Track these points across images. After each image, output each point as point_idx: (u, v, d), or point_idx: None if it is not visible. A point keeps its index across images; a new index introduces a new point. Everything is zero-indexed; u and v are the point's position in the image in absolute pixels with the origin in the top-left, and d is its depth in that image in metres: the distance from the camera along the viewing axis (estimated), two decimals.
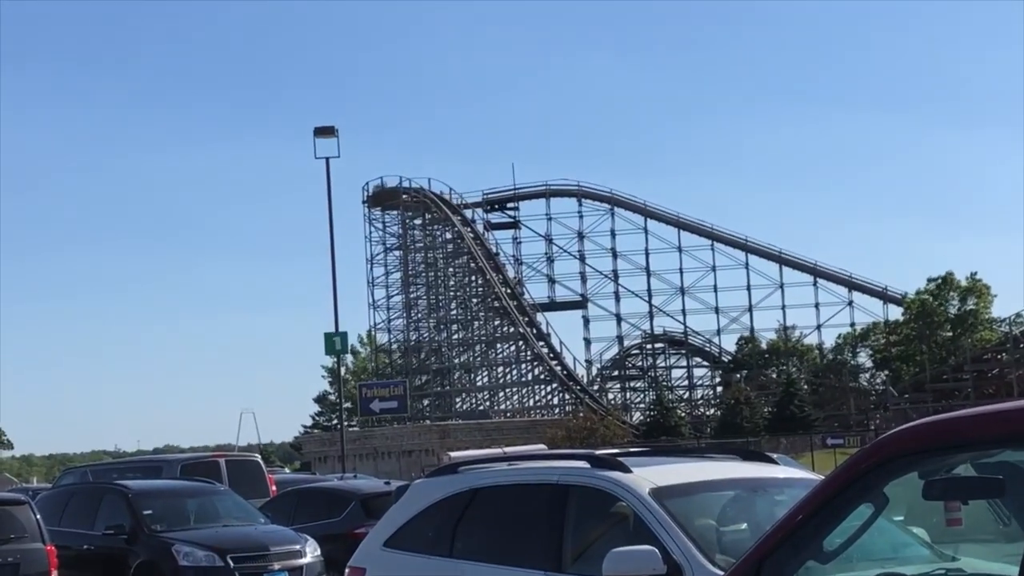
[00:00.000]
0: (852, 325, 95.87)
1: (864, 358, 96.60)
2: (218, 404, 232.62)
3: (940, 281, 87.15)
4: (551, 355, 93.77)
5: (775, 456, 11.15)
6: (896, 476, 4.22)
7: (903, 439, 4.22)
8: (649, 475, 7.54)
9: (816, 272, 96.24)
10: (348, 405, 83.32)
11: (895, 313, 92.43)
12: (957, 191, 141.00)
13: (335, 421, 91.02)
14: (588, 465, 7.85)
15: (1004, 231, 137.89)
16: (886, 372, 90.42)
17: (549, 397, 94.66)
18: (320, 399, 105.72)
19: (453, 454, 21.22)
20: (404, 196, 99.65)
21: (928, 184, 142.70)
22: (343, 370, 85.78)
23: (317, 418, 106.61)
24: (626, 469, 7.58)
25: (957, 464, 4.41)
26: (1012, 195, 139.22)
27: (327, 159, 47.62)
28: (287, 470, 63.78)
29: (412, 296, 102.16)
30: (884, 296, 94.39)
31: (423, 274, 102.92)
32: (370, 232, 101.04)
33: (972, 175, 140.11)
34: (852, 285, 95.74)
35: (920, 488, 4.23)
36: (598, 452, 8.34)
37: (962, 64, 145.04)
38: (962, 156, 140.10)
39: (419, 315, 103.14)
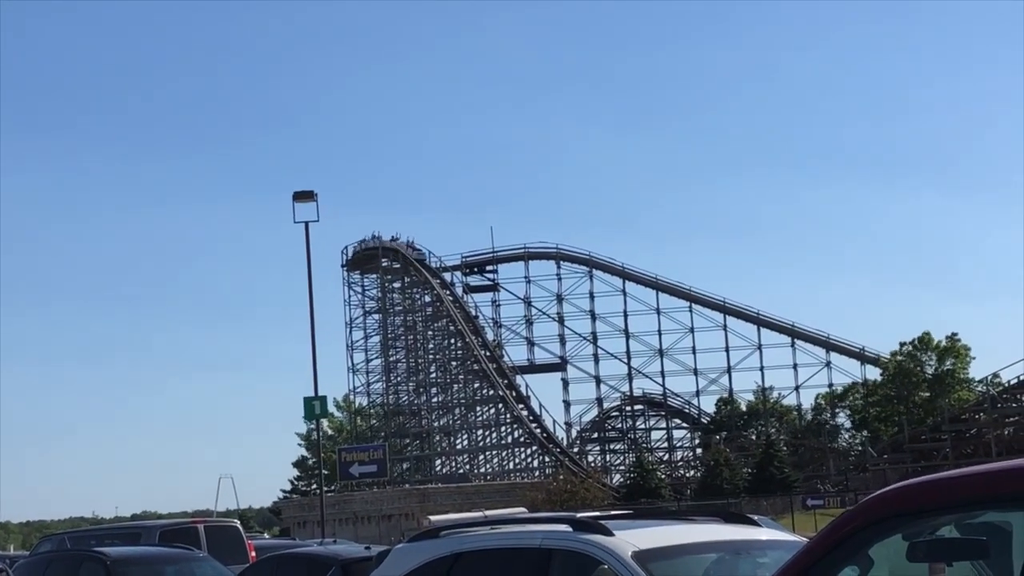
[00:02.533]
0: (830, 386, 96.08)
1: (843, 419, 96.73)
2: (197, 469, 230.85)
3: (917, 341, 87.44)
4: (530, 417, 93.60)
5: (757, 518, 11.14)
6: (881, 538, 4.23)
7: (889, 501, 4.23)
8: (632, 538, 7.51)
9: (794, 333, 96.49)
10: (327, 471, 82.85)
11: (873, 374, 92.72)
12: (934, 253, 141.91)
13: (314, 486, 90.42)
14: (570, 528, 7.81)
15: (982, 293, 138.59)
16: (865, 432, 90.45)
17: (529, 460, 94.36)
18: (299, 463, 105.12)
19: (433, 518, 21.18)
20: (383, 259, 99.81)
21: (904, 247, 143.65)
22: (322, 434, 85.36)
23: (296, 483, 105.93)
24: (608, 532, 7.55)
25: (941, 526, 4.42)
26: (990, 258, 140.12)
27: (306, 223, 47.65)
28: (266, 535, 63.22)
29: (391, 359, 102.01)
30: (861, 357, 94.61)
31: (402, 337, 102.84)
32: (349, 296, 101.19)
33: (950, 238, 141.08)
34: (829, 346, 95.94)
35: (904, 550, 4.24)
36: (580, 515, 8.30)
37: (934, 130, 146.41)
38: (939, 220, 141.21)
39: (398, 378, 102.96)
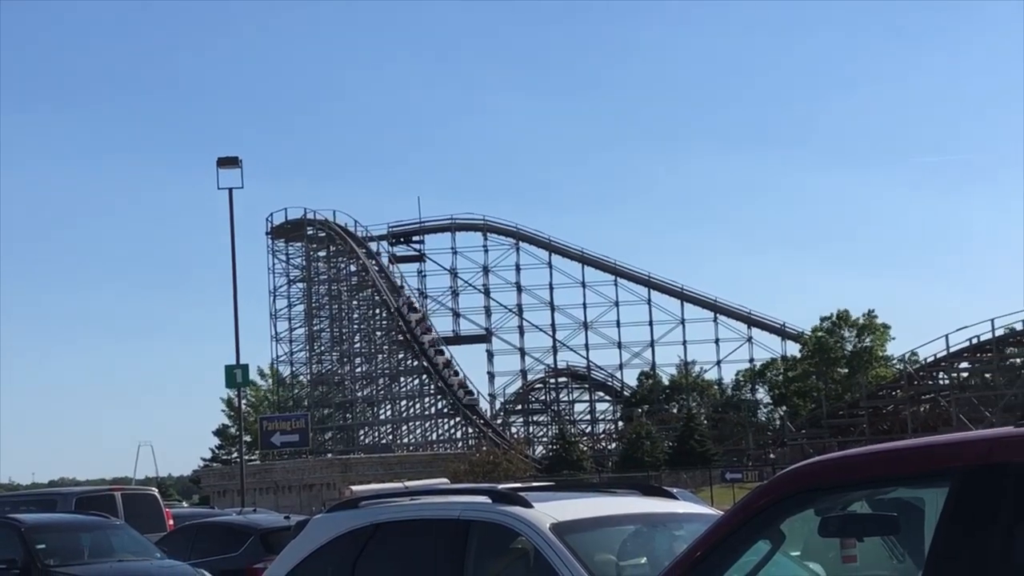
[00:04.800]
0: (751, 361, 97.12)
1: (762, 394, 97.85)
2: (116, 436, 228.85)
3: (836, 318, 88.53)
4: (455, 389, 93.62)
5: (675, 491, 11.23)
6: (792, 513, 4.28)
7: (799, 477, 4.28)
8: (550, 510, 7.55)
9: (716, 308, 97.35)
10: (248, 438, 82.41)
11: (793, 349, 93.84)
12: (855, 231, 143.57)
13: (235, 454, 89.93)
14: (489, 500, 7.83)
15: (902, 271, 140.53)
16: (784, 408, 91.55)
17: (452, 431, 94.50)
18: (220, 432, 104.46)
19: (355, 488, 21.08)
20: (308, 228, 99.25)
21: (826, 223, 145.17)
22: (244, 403, 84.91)
23: (217, 451, 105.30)
24: (527, 504, 7.58)
25: (853, 501, 4.49)
26: (910, 236, 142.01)
27: (230, 190, 47.31)
28: (185, 504, 62.77)
29: (315, 329, 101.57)
30: (782, 333, 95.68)
31: (327, 307, 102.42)
32: (273, 264, 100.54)
33: (870, 215, 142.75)
34: (751, 322, 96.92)
35: (816, 525, 4.29)
36: (500, 487, 8.33)
37: (855, 106, 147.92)
38: (859, 197, 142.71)
39: (322, 348, 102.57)
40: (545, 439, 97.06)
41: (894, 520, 4.30)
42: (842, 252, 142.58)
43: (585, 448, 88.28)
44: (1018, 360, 79.54)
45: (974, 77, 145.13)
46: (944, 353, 77.23)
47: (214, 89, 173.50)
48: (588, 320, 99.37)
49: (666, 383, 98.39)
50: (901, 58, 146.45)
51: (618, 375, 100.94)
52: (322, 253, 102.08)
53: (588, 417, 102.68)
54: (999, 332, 75.93)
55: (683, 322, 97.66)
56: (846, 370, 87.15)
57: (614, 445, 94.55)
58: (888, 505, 4.72)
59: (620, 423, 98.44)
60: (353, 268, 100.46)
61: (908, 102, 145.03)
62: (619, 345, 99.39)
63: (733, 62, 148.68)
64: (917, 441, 4.22)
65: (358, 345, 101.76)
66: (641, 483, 9.60)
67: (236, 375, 45.99)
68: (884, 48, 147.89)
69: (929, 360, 79.80)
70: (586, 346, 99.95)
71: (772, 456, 79.15)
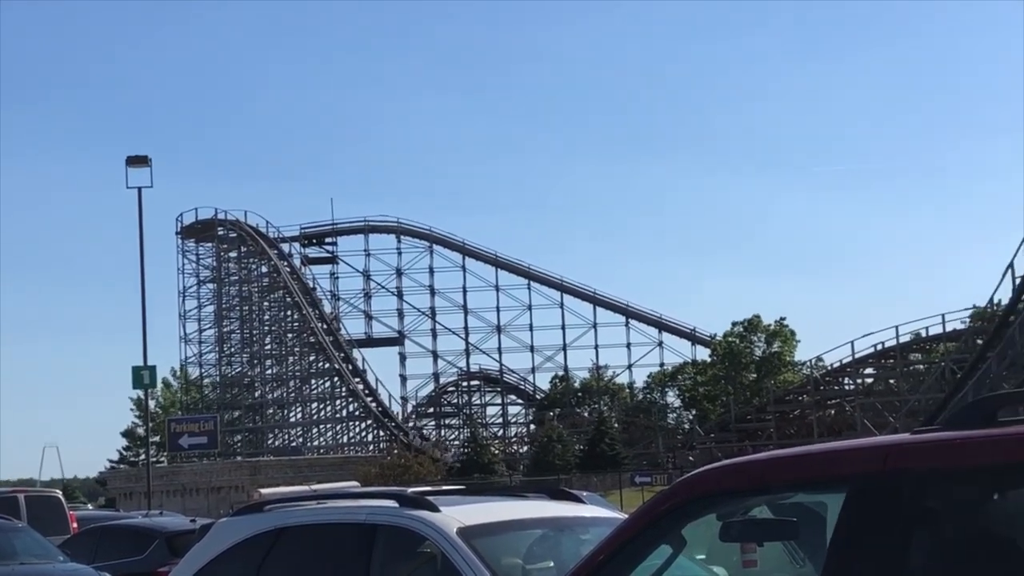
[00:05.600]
0: (662, 365, 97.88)
1: (673, 398, 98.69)
2: (21, 437, 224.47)
3: (747, 324, 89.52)
4: (366, 392, 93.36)
5: (583, 495, 11.28)
6: (693, 518, 4.32)
7: (699, 483, 4.33)
8: (457, 514, 7.55)
9: (628, 313, 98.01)
10: (156, 440, 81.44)
11: (703, 354, 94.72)
12: (765, 236, 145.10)
13: (142, 456, 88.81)
14: (396, 504, 7.81)
15: (810, 278, 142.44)
16: (693, 412, 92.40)
17: (363, 434, 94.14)
18: (128, 433, 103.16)
19: (263, 491, 20.91)
20: (219, 228, 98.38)
21: (736, 229, 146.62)
22: (152, 404, 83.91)
23: (124, 453, 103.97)
24: (434, 508, 7.57)
25: (753, 506, 4.54)
26: (818, 244, 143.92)
27: (139, 189, 46.81)
28: (90, 506, 61.96)
29: (225, 330, 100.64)
30: (693, 337, 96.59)
31: (237, 308, 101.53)
32: (183, 264, 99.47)
33: (779, 221, 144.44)
34: (662, 326, 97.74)
35: (718, 530, 4.34)
36: (409, 491, 8.31)
37: (764, 112, 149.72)
38: (770, 204, 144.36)
39: (232, 349, 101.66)
40: (457, 442, 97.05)
41: (794, 525, 4.36)
42: (751, 258, 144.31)
43: (497, 451, 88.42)
44: (921, 366, 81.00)
45: (877, 86, 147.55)
46: (850, 359, 78.45)
47: (125, 86, 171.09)
48: (501, 323, 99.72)
49: (578, 387, 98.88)
50: (805, 66, 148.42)
51: (530, 378, 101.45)
52: (233, 254, 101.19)
53: (500, 420, 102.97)
54: (903, 339, 77.34)
55: (595, 326, 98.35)
56: (754, 375, 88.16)
57: (525, 448, 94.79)
58: (789, 510, 4.78)
59: (532, 426, 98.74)
60: (264, 269, 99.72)
61: (816, 109, 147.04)
62: (532, 349, 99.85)
63: (642, 66, 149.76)
64: (815, 447, 4.29)
65: (269, 347, 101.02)
66: (549, 487, 9.65)
67: (143, 376, 45.49)
68: (789, 55, 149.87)
69: (835, 366, 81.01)
70: (499, 349, 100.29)
71: (675, 460, 79.73)
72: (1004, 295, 69.14)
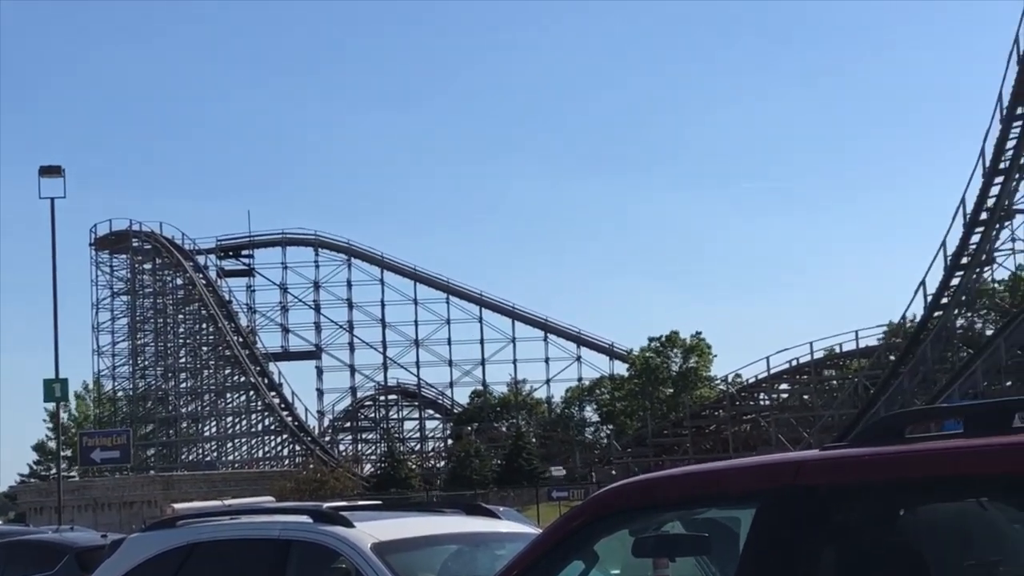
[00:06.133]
0: (580, 380, 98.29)
1: (591, 412, 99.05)
2: None
3: (664, 339, 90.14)
4: (282, 406, 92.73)
5: (500, 510, 11.30)
6: (606, 534, 4.34)
7: (611, 499, 4.35)
8: (372, 529, 7.53)
9: (547, 328, 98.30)
10: (68, 454, 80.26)
11: (621, 369, 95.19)
12: (683, 252, 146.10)
13: (54, 470, 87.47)
14: (310, 520, 7.76)
15: (726, 293, 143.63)
16: (611, 426, 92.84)
17: (279, 448, 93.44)
18: (39, 447, 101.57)
19: (177, 506, 20.78)
20: (134, 240, 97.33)
21: (654, 244, 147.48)
22: (65, 417, 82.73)
23: (35, 467, 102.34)
24: (348, 524, 7.54)
25: (666, 522, 4.57)
26: (735, 259, 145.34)
27: (52, 199, 46.24)
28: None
29: (139, 343, 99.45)
30: (611, 352, 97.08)
31: (152, 320, 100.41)
32: (96, 276, 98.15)
33: (696, 237, 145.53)
34: (581, 341, 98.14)
35: (631, 545, 4.37)
36: (324, 506, 8.27)
37: (681, 128, 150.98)
38: (688, 219, 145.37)
39: (146, 362, 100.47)
40: (374, 457, 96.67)
41: (706, 540, 4.39)
42: (669, 273, 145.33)
43: (414, 466, 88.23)
44: (835, 382, 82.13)
45: (796, 103, 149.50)
46: (765, 374, 79.36)
47: (37, 94, 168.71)
48: (419, 338, 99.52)
49: (496, 401, 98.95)
50: (728, 83, 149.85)
51: (448, 393, 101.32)
52: (148, 266, 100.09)
53: (417, 435, 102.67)
54: (817, 355, 78.41)
55: (514, 341, 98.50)
56: (671, 390, 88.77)
57: (443, 463, 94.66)
58: (701, 525, 4.81)
59: (449, 441, 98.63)
60: (180, 281, 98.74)
61: (733, 127, 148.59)
62: (450, 363, 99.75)
63: (566, 82, 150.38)
64: (726, 463, 4.33)
65: (183, 360, 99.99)
66: (465, 502, 9.65)
67: (55, 389, 44.91)
68: (711, 74, 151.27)
69: (751, 381, 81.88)
70: (417, 363, 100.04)
71: (599, 474, 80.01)
72: (917, 312, 70.47)
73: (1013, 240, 68.17)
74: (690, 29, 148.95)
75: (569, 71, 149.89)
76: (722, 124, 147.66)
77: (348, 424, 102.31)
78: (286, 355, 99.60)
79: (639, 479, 4.38)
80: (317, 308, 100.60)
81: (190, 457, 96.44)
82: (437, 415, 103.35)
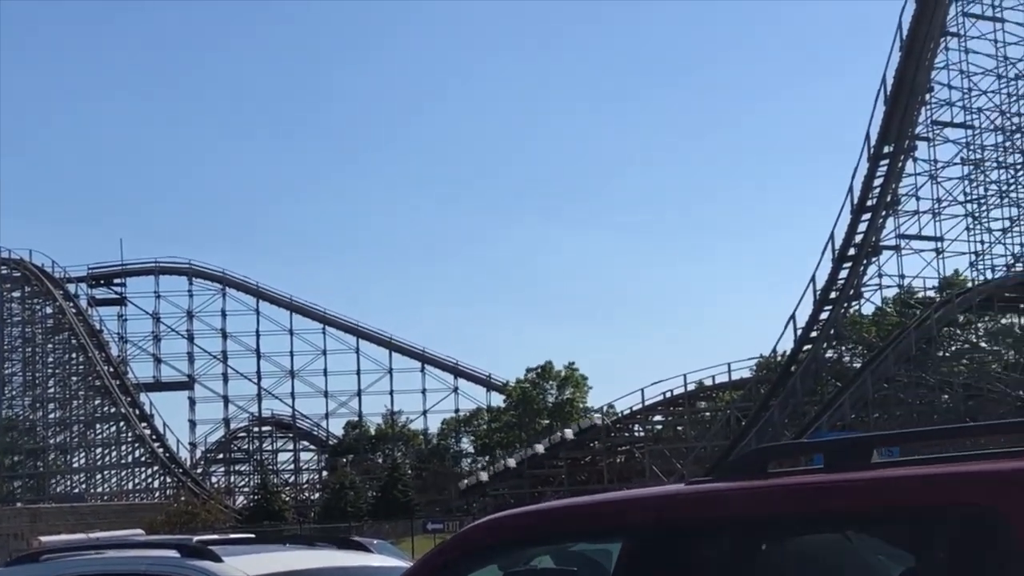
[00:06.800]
0: (457, 411, 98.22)
1: (467, 444, 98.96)
2: None
3: (540, 370, 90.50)
4: (153, 437, 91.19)
5: (374, 543, 11.24)
6: (475, 568, 4.34)
7: (480, 534, 4.36)
8: (241, 564, 7.42)
9: (424, 359, 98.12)
10: None
11: (498, 400, 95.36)
12: (561, 284, 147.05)
13: None
14: (178, 554, 7.63)
15: (601, 324, 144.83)
16: (487, 457, 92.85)
17: (150, 480, 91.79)
18: None
19: (44, 539, 20.28)
20: (2, 267, 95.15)
21: (532, 276, 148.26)
22: None
23: None
24: (217, 558, 7.42)
25: (535, 556, 4.60)
26: (610, 291, 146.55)
27: None
28: None
29: (7, 372, 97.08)
30: (488, 383, 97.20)
31: (20, 349, 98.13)
32: None
33: (572, 271, 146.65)
34: (458, 372, 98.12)
35: None
36: (194, 539, 8.14)
37: (558, 162, 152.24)
38: (567, 251, 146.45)
39: (13, 392, 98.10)
40: (247, 489, 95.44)
41: (574, 575, 4.43)
42: (546, 305, 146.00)
43: (288, 498, 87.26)
44: (708, 413, 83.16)
45: (678, 142, 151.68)
46: (640, 406, 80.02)
47: None
48: (295, 368, 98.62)
49: (372, 433, 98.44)
50: (595, 113, 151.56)
51: (324, 424, 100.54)
52: (16, 294, 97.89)
53: (292, 467, 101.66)
54: (690, 387, 79.35)
55: (391, 371, 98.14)
56: (548, 421, 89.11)
57: (317, 495, 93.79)
58: (571, 559, 4.85)
59: (324, 473, 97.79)
60: (49, 310, 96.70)
61: (608, 162, 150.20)
62: (326, 394, 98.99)
63: (432, 111, 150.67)
64: (594, 497, 4.37)
65: (52, 390, 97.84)
66: (338, 536, 9.59)
67: None
68: (581, 102, 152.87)
69: (626, 413, 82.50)
70: (292, 394, 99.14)
71: (475, 506, 79.95)
72: (788, 345, 71.78)
73: (880, 275, 69.96)
74: (561, 60, 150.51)
75: (436, 102, 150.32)
76: (597, 158, 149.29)
77: (221, 456, 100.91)
78: (158, 385, 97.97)
79: (507, 514, 4.40)
80: (190, 338, 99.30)
81: (58, 489, 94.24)
82: (312, 446, 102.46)
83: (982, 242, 71.81)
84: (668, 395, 79.35)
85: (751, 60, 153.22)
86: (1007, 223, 72.65)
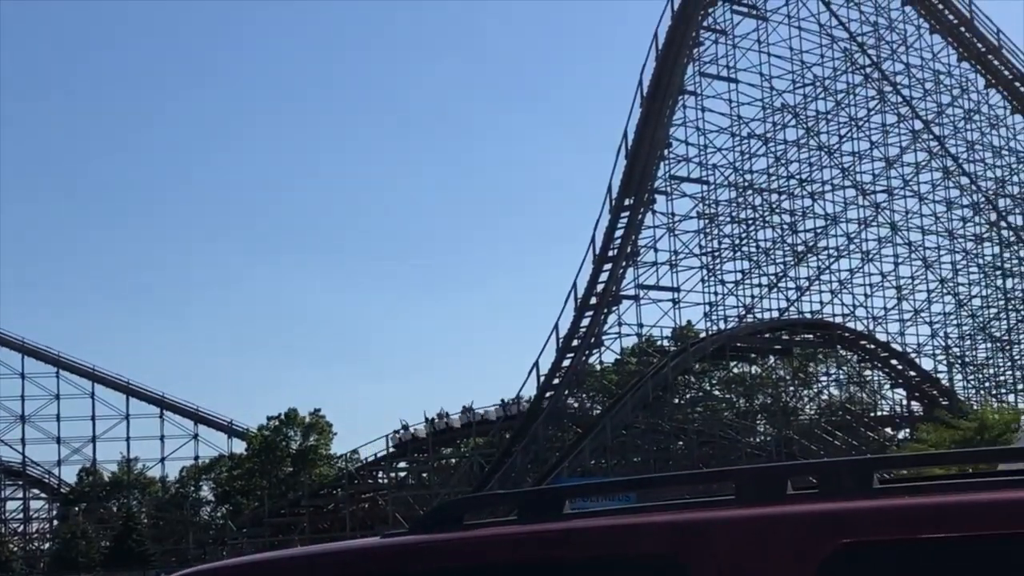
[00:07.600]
0: (197, 458, 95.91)
1: (207, 491, 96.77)
2: None
3: (284, 416, 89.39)
4: None
5: None
6: None
7: None
8: None
9: (163, 404, 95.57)
10: None
11: (240, 447, 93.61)
12: (303, 330, 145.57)
13: None
14: None
15: (348, 371, 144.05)
16: (228, 506, 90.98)
17: None
18: None
19: None
20: None
21: (274, 322, 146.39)
22: None
23: None
24: None
25: None
26: (356, 335, 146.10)
27: None
28: None
29: None
30: (229, 430, 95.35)
31: None
32: None
33: (316, 315, 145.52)
34: (198, 418, 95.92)
35: None
36: None
37: (300, 204, 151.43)
38: (307, 296, 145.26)
39: None
40: None
41: None
42: (290, 350, 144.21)
43: (16, 548, 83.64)
44: (453, 460, 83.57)
45: (426, 182, 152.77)
46: (384, 452, 79.84)
47: None
48: (26, 413, 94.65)
49: (107, 480, 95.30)
50: (345, 153, 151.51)
51: (56, 471, 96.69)
52: None
53: (21, 515, 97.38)
54: (439, 424, 79.51)
55: (128, 417, 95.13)
56: (291, 468, 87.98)
57: (48, 545, 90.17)
58: None
59: (55, 522, 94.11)
60: None
61: (358, 205, 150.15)
62: (59, 440, 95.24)
63: (173, 143, 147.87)
64: (286, 552, 4.31)
65: None
66: None
67: None
68: (353, 143, 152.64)
69: (370, 459, 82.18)
70: (23, 440, 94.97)
71: (214, 556, 78.15)
72: (531, 391, 72.89)
73: (620, 324, 71.82)
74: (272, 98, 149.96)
75: (204, 132, 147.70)
76: (343, 202, 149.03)
77: None
78: None
79: (200, 568, 4.30)
80: None
81: None
82: (43, 495, 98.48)
83: (716, 293, 74.67)
84: (411, 439, 79.31)
85: (497, 111, 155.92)
86: (739, 275, 75.82)
